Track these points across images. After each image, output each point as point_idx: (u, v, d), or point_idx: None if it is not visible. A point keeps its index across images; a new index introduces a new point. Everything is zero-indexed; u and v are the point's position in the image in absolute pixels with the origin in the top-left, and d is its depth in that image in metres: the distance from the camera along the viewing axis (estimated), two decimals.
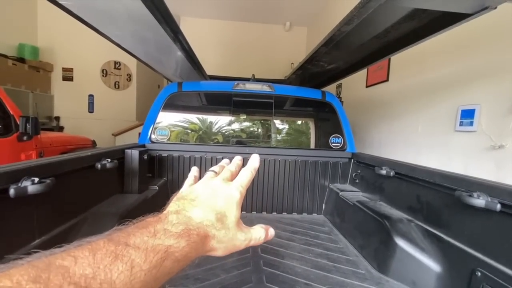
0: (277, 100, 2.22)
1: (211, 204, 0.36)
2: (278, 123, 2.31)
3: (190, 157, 2.07)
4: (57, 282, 0.20)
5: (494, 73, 2.02)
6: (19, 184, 0.83)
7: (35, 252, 0.22)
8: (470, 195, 1.00)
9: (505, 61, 1.94)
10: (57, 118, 6.11)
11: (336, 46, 2.03)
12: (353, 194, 1.95)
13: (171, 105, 2.15)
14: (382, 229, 1.40)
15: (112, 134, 5.97)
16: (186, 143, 2.14)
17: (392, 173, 1.56)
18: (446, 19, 1.43)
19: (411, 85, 2.94)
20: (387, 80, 3.38)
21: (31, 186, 0.84)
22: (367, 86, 3.89)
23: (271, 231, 0.42)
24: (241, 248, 0.38)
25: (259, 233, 0.40)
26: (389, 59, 3.30)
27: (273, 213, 2.16)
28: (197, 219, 0.33)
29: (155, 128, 2.08)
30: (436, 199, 1.24)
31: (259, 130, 2.30)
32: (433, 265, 1.17)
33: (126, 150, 1.67)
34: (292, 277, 1.27)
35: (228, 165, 0.44)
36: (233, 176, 0.42)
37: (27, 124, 2.80)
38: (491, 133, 2.03)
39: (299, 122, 2.41)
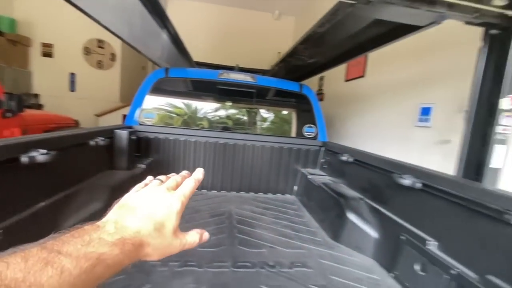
0: (258, 90, 2.41)
1: (151, 214, 0.38)
2: (258, 112, 2.51)
3: (175, 140, 2.23)
4: None
5: (447, 77, 2.31)
6: (28, 154, 0.99)
7: None
8: (401, 177, 1.27)
9: (454, 69, 2.22)
10: (36, 96, 5.94)
11: (314, 44, 2.23)
12: (321, 177, 2.22)
13: (158, 89, 2.27)
14: (338, 206, 1.67)
15: (95, 115, 5.92)
16: (172, 126, 2.29)
17: (351, 159, 1.83)
18: (403, 29, 1.66)
19: (383, 82, 3.22)
20: (363, 76, 3.63)
21: (39, 156, 1.00)
22: (346, 81, 4.14)
23: (206, 235, 0.45)
24: (176, 253, 0.41)
25: (193, 238, 0.43)
26: (366, 57, 3.55)
27: (250, 192, 2.40)
28: (134, 229, 0.35)
29: (142, 111, 2.22)
30: (380, 181, 1.51)
31: (241, 117, 2.49)
32: (373, 233, 1.46)
33: (115, 130, 1.81)
34: (259, 242, 1.52)
35: (173, 176, 0.47)
36: (177, 186, 0.44)
37: (11, 101, 2.82)
38: (441, 129, 2.34)
39: (278, 111, 2.62)
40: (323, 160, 2.38)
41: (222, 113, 2.46)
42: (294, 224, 1.80)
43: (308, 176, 2.22)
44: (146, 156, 2.21)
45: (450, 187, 1.07)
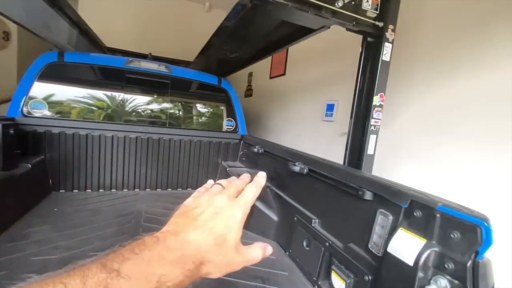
0: (174, 82, 2.31)
1: (212, 227, 0.36)
2: (175, 104, 2.42)
3: (73, 134, 1.96)
4: None
5: (345, 77, 2.66)
6: None
7: (29, 278, 0.24)
8: (294, 164, 1.40)
9: (351, 70, 2.57)
10: None
11: (230, 38, 2.25)
12: (239, 169, 2.28)
13: (51, 75, 1.95)
14: None
15: None
16: (67, 118, 2.00)
17: (261, 151, 1.93)
18: (304, 31, 1.82)
19: (299, 81, 3.50)
20: (284, 74, 3.88)
21: None
22: (270, 78, 4.35)
23: (269, 250, 0.43)
24: (237, 269, 0.38)
25: (256, 254, 0.40)
26: (287, 55, 3.79)
27: (168, 189, 2.31)
28: (195, 244, 0.33)
29: (29, 101, 1.87)
30: (282, 169, 1.65)
31: (154, 110, 2.35)
32: (275, 217, 1.58)
33: None
34: None
35: (235, 180, 0.45)
36: (239, 193, 0.42)
37: None
38: (342, 123, 2.69)
39: (196, 105, 2.58)
40: (241, 153, 2.45)
41: (131, 105, 2.27)
42: None
43: (227, 169, 2.25)
44: (35, 154, 1.88)
45: (327, 171, 1.24)
